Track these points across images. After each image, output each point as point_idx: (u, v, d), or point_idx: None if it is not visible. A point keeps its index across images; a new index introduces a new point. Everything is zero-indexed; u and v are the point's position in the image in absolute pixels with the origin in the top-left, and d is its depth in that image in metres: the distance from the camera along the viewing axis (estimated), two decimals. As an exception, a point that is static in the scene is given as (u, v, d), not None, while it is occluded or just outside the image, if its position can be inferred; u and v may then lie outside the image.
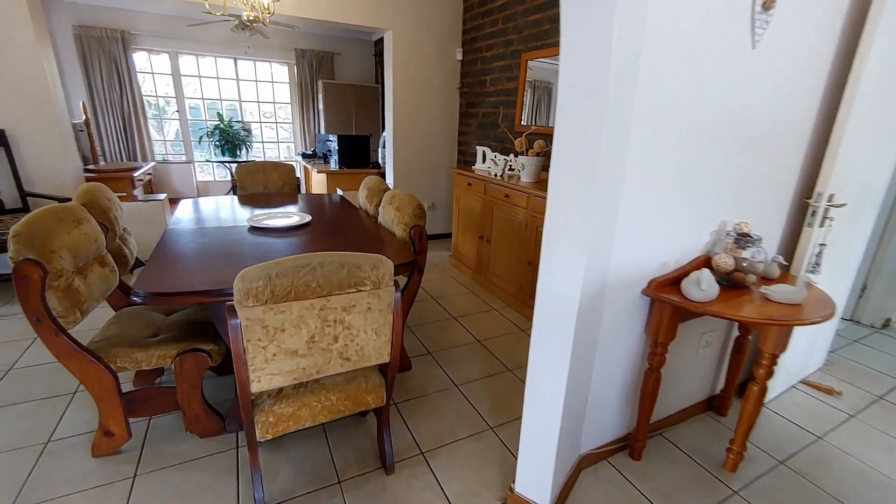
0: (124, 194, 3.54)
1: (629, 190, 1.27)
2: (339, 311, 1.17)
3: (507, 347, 2.48)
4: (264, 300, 1.05)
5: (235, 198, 2.84)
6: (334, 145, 4.41)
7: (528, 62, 3.21)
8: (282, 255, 1.70)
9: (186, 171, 6.09)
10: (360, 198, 2.68)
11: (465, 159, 4.33)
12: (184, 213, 2.29)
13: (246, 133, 5.66)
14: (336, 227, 2.15)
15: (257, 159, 6.07)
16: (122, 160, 5.53)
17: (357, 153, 4.48)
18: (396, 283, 1.27)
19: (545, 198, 2.57)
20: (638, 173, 1.27)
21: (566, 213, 1.13)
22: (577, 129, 1.06)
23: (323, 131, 6.23)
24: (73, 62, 5.12)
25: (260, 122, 6.52)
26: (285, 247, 1.80)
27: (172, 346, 1.56)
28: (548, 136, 3.03)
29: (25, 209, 2.93)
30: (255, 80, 6.28)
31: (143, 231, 3.32)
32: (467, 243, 3.54)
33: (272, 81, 6.41)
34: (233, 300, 1.06)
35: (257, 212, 2.30)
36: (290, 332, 1.12)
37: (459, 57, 4.14)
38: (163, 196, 3.44)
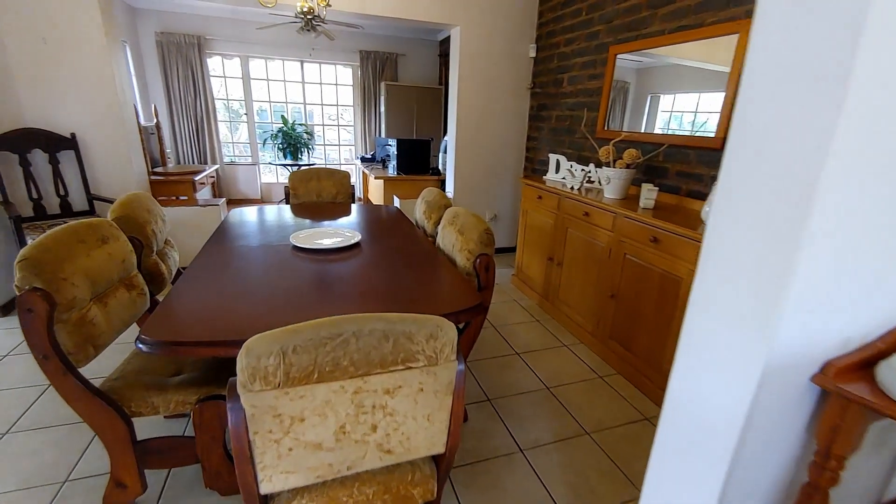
0: (185, 198, 3.53)
1: (818, 231, 0.83)
2: (380, 395, 0.84)
3: (583, 399, 2.05)
4: (277, 383, 0.75)
5: (287, 207, 2.65)
6: (393, 149, 4.18)
7: (617, 57, 2.74)
8: (322, 285, 1.42)
9: (252, 174, 6.19)
10: (418, 212, 2.38)
11: (534, 167, 3.92)
12: (228, 226, 2.12)
13: (308, 136, 5.63)
14: (387, 250, 1.85)
15: (316, 163, 6.05)
16: (193, 162, 5.71)
17: (416, 158, 4.22)
18: (459, 352, 0.92)
19: (638, 220, 2.10)
20: (835, 207, 0.82)
21: (739, 275, 0.72)
22: (777, 141, 0.65)
23: (383, 134, 6.08)
24: (155, 67, 5.34)
25: (323, 124, 6.51)
26: (327, 275, 1.52)
27: (194, 390, 1.33)
28: (640, 144, 2.55)
29: (91, 212, 2.95)
30: (320, 83, 6.27)
31: (197, 236, 3.27)
32: (534, 264, 3.13)
33: (336, 84, 6.37)
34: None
35: (303, 232, 2.06)
36: (311, 421, 0.81)
37: (532, 54, 3.74)
38: (220, 201, 3.37)
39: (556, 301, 2.87)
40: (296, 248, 1.80)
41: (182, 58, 5.39)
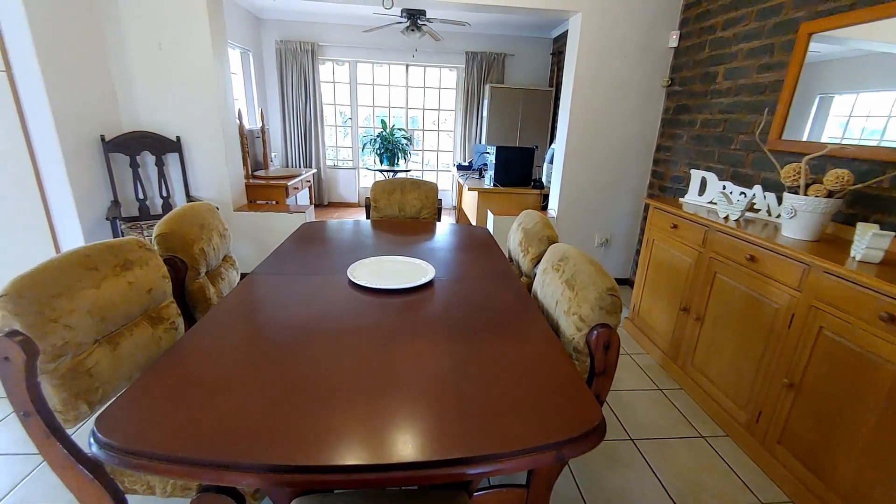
0: (277, 202, 3.50)
1: None
2: None
3: (738, 541, 1.38)
4: None
5: (366, 222, 2.36)
6: (491, 158, 3.73)
7: (812, 37, 1.94)
8: (366, 359, 1.02)
9: (351, 178, 6.25)
10: (513, 240, 1.90)
11: (662, 185, 3.16)
12: (290, 245, 1.85)
13: (407, 141, 5.47)
14: (467, 297, 1.39)
15: (413, 170, 5.87)
16: (299, 165, 5.92)
17: (517, 169, 3.72)
18: None
19: (858, 282, 1.28)
20: None
21: None
22: None
23: (484, 141, 5.68)
24: (273, 74, 5.63)
25: (423, 129, 6.34)
26: (382, 330, 1.12)
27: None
28: (845, 162, 1.75)
29: (189, 213, 3.00)
30: (423, 87, 6.10)
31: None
32: (658, 310, 2.42)
33: (439, 87, 6.15)
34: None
35: (367, 260, 1.71)
36: None
37: (673, 43, 3.00)
38: (308, 208, 3.26)
39: (688, 366, 2.15)
40: (353, 283, 1.44)
41: (297, 64, 5.60)
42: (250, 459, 0.69)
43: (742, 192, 2.16)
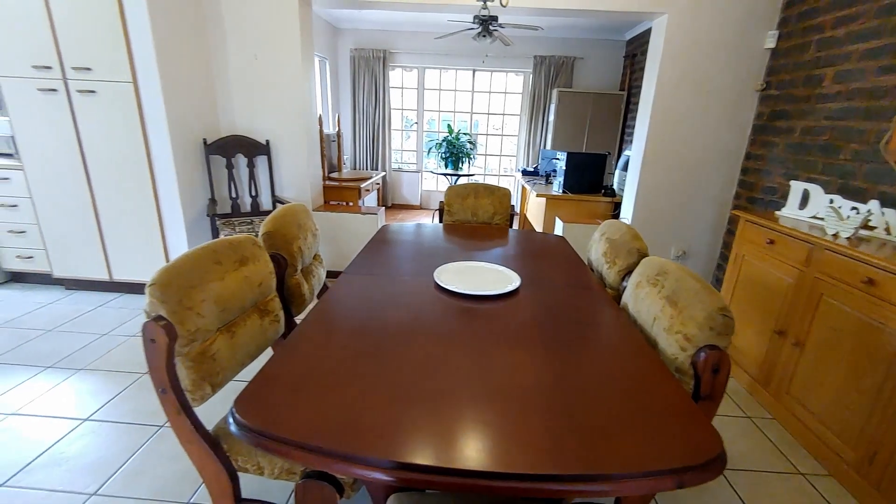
0: (350, 204, 3.65)
1: None
2: None
3: None
4: None
5: (439, 226, 2.41)
6: (561, 164, 3.67)
7: (953, 36, 1.72)
8: (465, 363, 1.04)
9: (414, 181, 6.40)
10: (595, 251, 1.85)
11: (752, 196, 2.94)
12: (375, 246, 1.93)
13: (471, 146, 5.51)
14: (555, 308, 1.38)
15: (476, 173, 5.89)
16: (366, 168, 6.15)
17: (588, 175, 3.63)
18: None
19: None
20: None
21: None
22: None
23: (549, 146, 5.59)
24: (347, 81, 5.90)
25: (486, 134, 6.35)
26: (477, 336, 1.14)
27: (301, 457, 1.09)
28: None
29: (271, 212, 3.22)
30: (489, 92, 6.12)
31: (354, 243, 3.31)
32: (749, 331, 2.25)
33: (505, 92, 6.13)
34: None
35: (452, 265, 1.74)
36: None
37: (770, 44, 2.78)
38: (380, 210, 3.37)
39: (783, 394, 1.97)
40: (439, 286, 1.47)
41: (369, 71, 5.83)
42: (378, 455, 0.72)
43: (854, 208, 1.96)
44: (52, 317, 2.58)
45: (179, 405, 1.06)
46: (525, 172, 4.96)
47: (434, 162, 6.30)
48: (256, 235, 2.67)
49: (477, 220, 2.58)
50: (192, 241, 2.82)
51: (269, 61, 2.96)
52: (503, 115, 6.27)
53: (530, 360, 1.06)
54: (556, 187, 3.71)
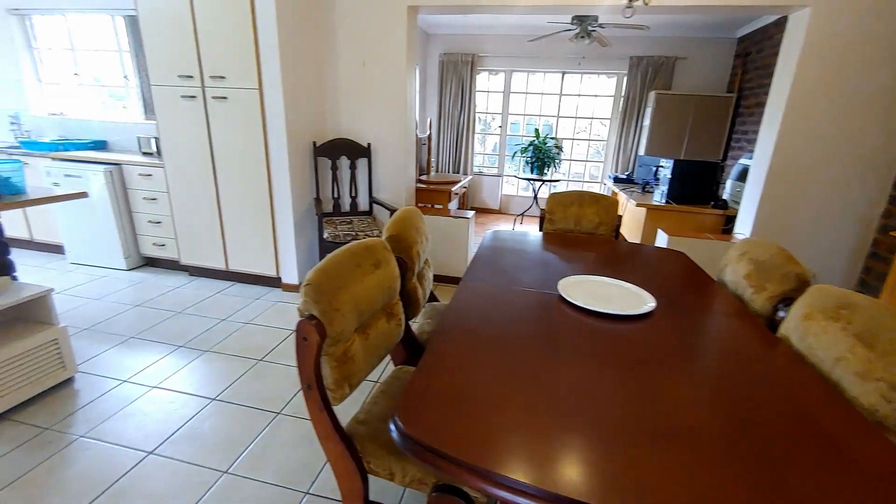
0: (440, 207, 3.68)
1: None
2: None
3: None
4: None
5: (539, 235, 2.32)
6: (665, 172, 3.40)
7: None
8: (623, 375, 0.95)
9: (495, 185, 6.34)
10: (731, 273, 1.66)
11: (912, 214, 2.50)
12: (485, 254, 1.89)
13: (558, 150, 5.34)
14: (703, 335, 1.24)
15: (560, 180, 5.70)
16: (448, 171, 6.20)
17: (696, 184, 3.33)
18: None
19: None
20: None
21: None
22: None
23: (643, 152, 5.25)
24: (434, 85, 6.00)
25: (572, 139, 6.13)
26: (625, 360, 1.05)
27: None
28: None
29: (369, 213, 3.33)
30: (578, 95, 5.89)
31: (444, 247, 3.33)
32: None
33: (595, 95, 5.87)
34: None
35: (573, 278, 1.65)
36: None
37: (949, 37, 2.35)
38: (470, 214, 3.36)
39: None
40: (563, 299, 1.39)
41: (456, 75, 5.88)
42: (538, 483, 0.67)
43: None
44: (180, 300, 2.87)
45: (322, 402, 1.09)
46: (617, 180, 4.70)
47: (516, 166, 6.20)
48: (355, 236, 2.76)
49: (580, 230, 2.46)
50: (299, 238, 3.00)
51: (376, 68, 3.06)
52: (591, 118, 6.01)
53: (692, 395, 0.95)
54: (659, 196, 3.45)
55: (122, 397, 1.90)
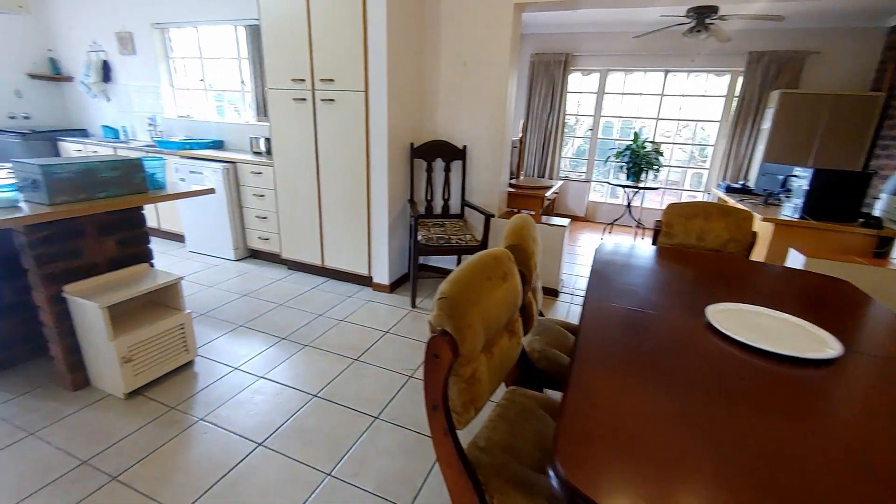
0: (532, 213, 3.52)
1: None
2: None
3: None
4: None
5: (654, 249, 2.09)
6: (801, 182, 2.94)
7: None
8: (815, 436, 0.76)
9: (581, 190, 6.02)
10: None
11: None
12: (604, 271, 1.72)
13: (658, 155, 4.92)
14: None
15: (657, 187, 5.24)
16: (533, 175, 6.00)
17: (840, 198, 2.84)
18: None
19: None
20: None
21: None
22: None
23: (761, 158, 4.66)
24: (524, 87, 5.84)
25: (673, 143, 5.63)
26: (812, 415, 0.84)
27: (566, 514, 0.95)
28: None
29: (460, 216, 3.27)
30: (682, 95, 5.39)
31: (541, 257, 3.16)
32: None
33: (703, 95, 5.33)
34: None
35: (721, 305, 1.43)
36: None
37: None
38: (565, 222, 3.16)
39: None
40: (713, 329, 1.19)
41: (547, 76, 5.67)
42: None
43: None
44: (281, 293, 3.01)
45: (447, 426, 1.02)
46: (730, 189, 4.20)
47: (608, 171, 5.83)
48: (448, 240, 2.69)
49: (703, 247, 2.18)
50: (392, 239, 3.02)
51: (476, 68, 2.99)
52: (696, 121, 5.48)
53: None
54: (791, 210, 2.99)
55: (234, 384, 2.00)
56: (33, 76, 4.73)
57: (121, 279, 1.96)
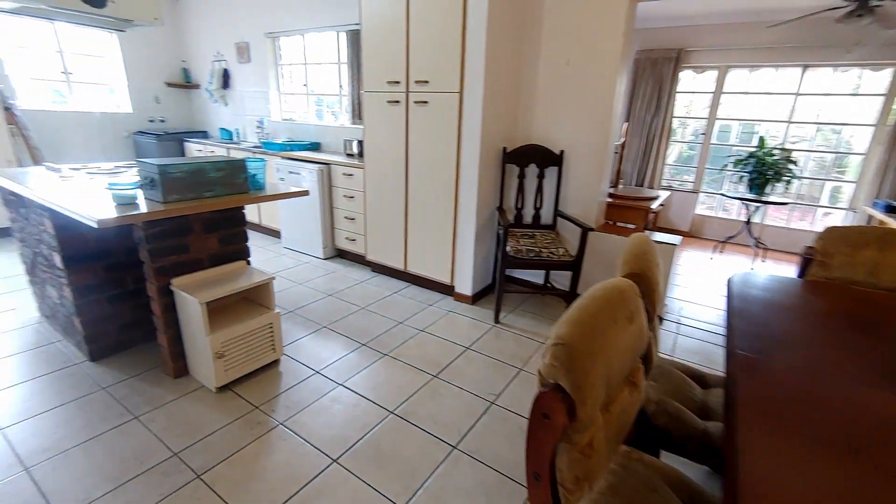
0: (634, 227, 3.15)
1: None
2: None
3: None
4: None
5: (801, 283, 1.67)
6: None
7: None
8: None
9: (687, 202, 5.37)
10: None
11: None
12: (743, 309, 1.39)
13: (790, 164, 4.17)
14: None
15: (787, 202, 4.46)
16: (631, 184, 5.49)
17: None
18: None
19: None
20: None
21: None
22: None
23: (938, 171, 3.73)
24: (623, 86, 5.35)
25: (809, 150, 4.77)
26: None
27: None
28: None
29: (552, 227, 3.01)
30: (824, 94, 4.54)
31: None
32: None
33: (854, 94, 4.44)
34: None
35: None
36: None
37: None
38: (676, 239, 2.76)
39: None
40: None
41: (654, 74, 5.14)
42: None
43: None
44: (364, 295, 3.01)
45: (552, 500, 0.82)
46: (891, 209, 3.41)
47: (724, 182, 5.13)
48: (538, 253, 2.45)
49: (876, 284, 1.70)
50: (477, 248, 2.86)
51: (581, 66, 2.73)
52: (840, 125, 4.58)
53: None
54: None
55: (315, 389, 1.98)
56: (169, 84, 5.36)
57: (220, 275, 2.03)
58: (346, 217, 3.54)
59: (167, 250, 1.89)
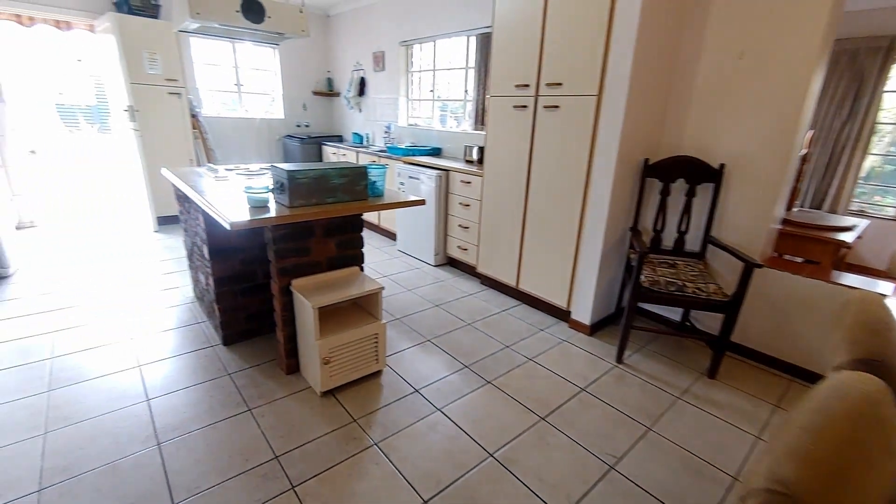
0: (818, 263, 2.45)
1: None
2: None
3: None
4: None
5: None
6: None
7: None
8: None
9: (885, 232, 4.15)
10: None
11: None
12: None
13: None
14: None
15: None
16: (805, 205, 4.45)
17: None
18: None
19: None
20: None
21: None
22: None
23: None
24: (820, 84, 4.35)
25: None
26: None
27: None
28: None
29: (700, 256, 2.50)
30: None
31: (825, 343, 2.14)
32: None
33: None
34: None
35: None
36: None
37: None
38: (888, 287, 2.05)
39: None
40: None
41: (851, 71, 4.07)
42: None
43: None
44: (471, 310, 2.86)
45: None
46: None
47: (948, 209, 3.85)
48: (680, 287, 2.00)
49: None
50: (602, 272, 2.50)
51: (760, 60, 2.19)
52: None
53: None
54: None
55: (413, 410, 1.88)
56: (315, 93, 5.92)
57: (334, 280, 2.05)
58: (460, 225, 3.44)
59: (290, 252, 1.96)
